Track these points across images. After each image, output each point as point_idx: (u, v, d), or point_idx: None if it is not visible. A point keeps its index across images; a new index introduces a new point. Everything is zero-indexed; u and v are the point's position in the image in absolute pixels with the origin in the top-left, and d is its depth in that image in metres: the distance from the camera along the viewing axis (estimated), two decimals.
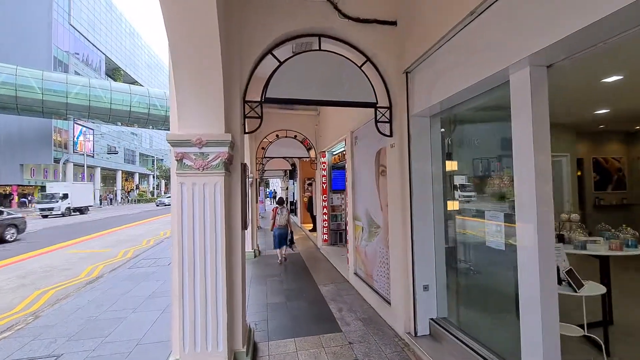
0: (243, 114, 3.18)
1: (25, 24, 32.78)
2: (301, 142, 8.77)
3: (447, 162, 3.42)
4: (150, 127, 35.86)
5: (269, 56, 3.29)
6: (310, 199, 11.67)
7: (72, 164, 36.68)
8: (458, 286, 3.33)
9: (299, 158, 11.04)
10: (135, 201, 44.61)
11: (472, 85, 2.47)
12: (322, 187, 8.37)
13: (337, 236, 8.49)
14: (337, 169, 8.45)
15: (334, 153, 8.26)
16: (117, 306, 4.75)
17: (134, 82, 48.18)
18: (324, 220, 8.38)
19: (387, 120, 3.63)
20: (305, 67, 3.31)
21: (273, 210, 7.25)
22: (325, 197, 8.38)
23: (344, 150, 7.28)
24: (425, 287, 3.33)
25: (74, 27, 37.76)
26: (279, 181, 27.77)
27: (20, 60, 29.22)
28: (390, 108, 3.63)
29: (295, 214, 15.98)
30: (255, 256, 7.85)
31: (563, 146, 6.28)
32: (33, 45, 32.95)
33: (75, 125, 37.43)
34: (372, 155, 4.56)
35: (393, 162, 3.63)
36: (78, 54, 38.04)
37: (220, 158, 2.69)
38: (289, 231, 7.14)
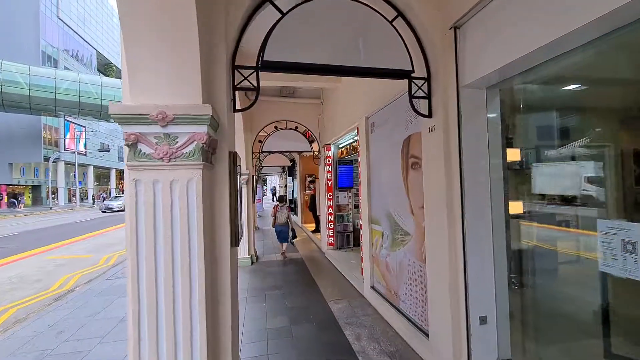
0: (232, 85, 2.28)
1: (10, 16, 31.44)
2: (302, 134, 7.86)
3: (509, 150, 2.54)
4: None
5: (268, 5, 2.37)
6: (313, 197, 10.77)
7: (63, 162, 35.54)
8: (529, 319, 2.47)
9: (300, 152, 10.15)
10: None
11: (560, 39, 1.63)
12: (327, 184, 7.48)
13: (344, 239, 7.62)
14: (344, 164, 7.56)
15: (341, 146, 7.36)
16: (81, 333, 3.85)
17: None
18: (329, 222, 7.49)
19: (424, 94, 2.73)
20: (317, 23, 2.41)
21: (274, 208, 7.61)
22: (330, 195, 7.49)
23: (354, 142, 6.39)
24: (483, 319, 2.46)
25: (62, 21, 36.43)
26: (277, 178, 26.85)
27: (6, 55, 27.94)
28: (428, 79, 2.73)
29: (295, 213, 15.09)
30: (252, 262, 6.96)
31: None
32: (20, 39, 31.63)
33: (66, 122, 36.26)
34: (396, 144, 3.67)
35: (433, 151, 2.74)
36: (67, 50, 36.77)
37: (195, 142, 1.76)
38: (290, 228, 7.47)
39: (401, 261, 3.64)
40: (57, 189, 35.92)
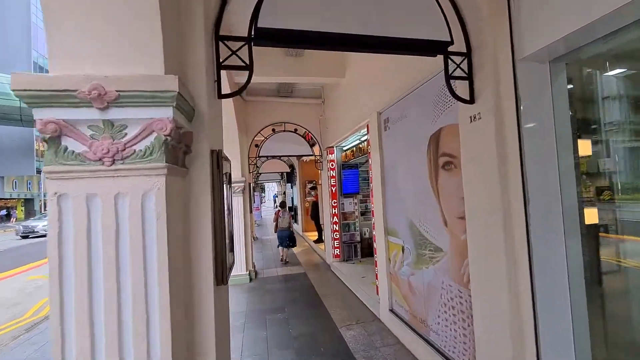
0: (216, 61, 1.70)
1: (1, 28, 31.01)
2: (302, 137, 7.27)
3: (582, 141, 1.95)
4: None
5: None
6: (315, 204, 10.12)
7: None
8: None
9: (300, 157, 9.56)
10: None
11: None
12: (331, 190, 6.87)
13: (351, 250, 6.97)
14: (349, 168, 6.95)
15: (345, 148, 6.77)
16: None
17: None
18: (334, 231, 6.86)
19: (463, 74, 2.14)
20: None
21: (275, 213, 7.87)
22: (335, 202, 6.87)
23: (362, 142, 5.81)
24: None
25: None
26: (275, 185, 26.23)
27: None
28: (469, 54, 2.14)
29: (296, 221, 14.45)
30: (251, 279, 6.30)
31: None
32: (10, 50, 31.16)
33: None
34: (420, 141, 3.07)
35: (478, 146, 2.13)
36: None
37: (154, 133, 1.18)
38: (291, 232, 7.69)
39: (430, 282, 3.01)
40: None
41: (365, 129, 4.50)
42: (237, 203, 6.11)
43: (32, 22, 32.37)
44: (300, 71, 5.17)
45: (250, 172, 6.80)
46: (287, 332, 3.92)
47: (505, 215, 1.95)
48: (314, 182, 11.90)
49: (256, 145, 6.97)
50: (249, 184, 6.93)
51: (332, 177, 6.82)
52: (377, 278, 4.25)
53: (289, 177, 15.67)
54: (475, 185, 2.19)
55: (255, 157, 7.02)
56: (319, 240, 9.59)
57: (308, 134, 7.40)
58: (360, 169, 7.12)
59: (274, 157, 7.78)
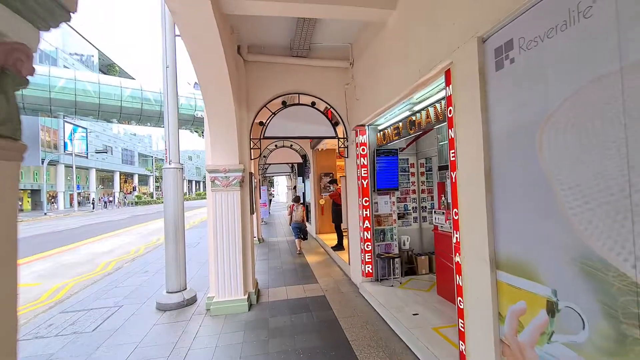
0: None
1: None
2: (323, 114, 5.45)
3: None
4: (148, 124, 32.90)
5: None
6: (336, 205, 8.22)
7: (62, 165, 34.13)
8: None
9: (318, 139, 7.68)
10: (132, 204, 41.85)
11: None
12: (361, 184, 5.04)
13: (388, 266, 5.15)
14: (386, 155, 5.11)
15: (382, 127, 4.91)
16: None
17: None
18: (365, 240, 5.05)
19: None
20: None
21: (290, 207, 8.53)
22: (366, 201, 5.05)
23: (414, 114, 3.95)
24: None
25: None
26: (285, 179, 24.52)
27: None
28: None
29: (309, 220, 12.66)
30: (250, 307, 4.54)
31: None
32: None
33: (65, 123, 34.87)
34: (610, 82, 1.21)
35: None
36: (67, 49, 35.42)
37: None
38: (303, 225, 8.21)
39: None
40: (56, 193, 34.52)
41: (442, 78, 2.65)
42: (229, 201, 4.53)
43: None
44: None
45: (251, 159, 5.03)
46: None
47: None
48: (331, 174, 10.09)
49: (261, 123, 5.17)
50: (251, 174, 5.18)
51: (363, 166, 4.99)
52: (462, 340, 2.42)
53: (301, 170, 13.90)
54: None
55: (260, 138, 5.23)
56: (338, 246, 7.81)
57: (329, 110, 5.58)
58: (398, 157, 5.29)
59: (284, 139, 5.87)
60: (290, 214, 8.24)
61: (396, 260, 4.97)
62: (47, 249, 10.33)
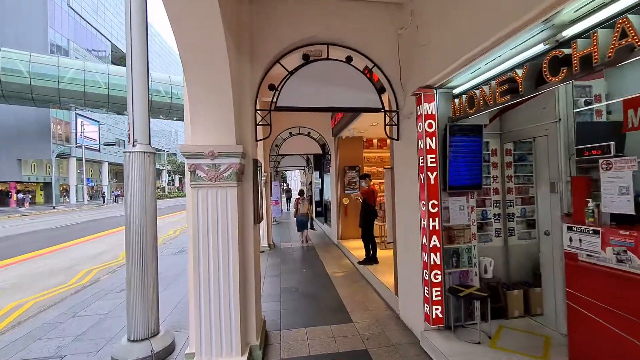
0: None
1: (15, 3, 29.55)
2: (362, 73, 3.69)
3: None
4: (160, 117, 31.92)
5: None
6: (367, 206, 6.35)
7: (74, 158, 33.67)
8: None
9: (358, 111, 5.49)
10: None
11: None
12: (426, 179, 3.27)
13: (465, 306, 3.36)
14: (465, 134, 3.32)
15: (457, 92, 3.11)
16: None
17: None
18: (432, 267, 3.30)
19: None
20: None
21: (295, 200, 9.25)
22: (433, 206, 3.28)
23: (529, 60, 2.11)
24: None
25: (74, 10, 34.47)
26: (298, 174, 22.82)
27: (12, 44, 25.87)
28: None
29: (326, 221, 10.93)
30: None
31: None
32: (25, 28, 29.74)
33: (77, 116, 34.34)
34: None
35: None
36: (79, 41, 34.77)
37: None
38: (309, 217, 9.05)
39: None
40: (69, 186, 34.16)
41: None
42: (220, 204, 2.77)
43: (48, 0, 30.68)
44: None
45: (257, 140, 3.29)
46: None
47: None
48: (358, 167, 8.32)
49: (271, 88, 3.43)
50: (256, 162, 3.46)
51: (429, 151, 3.19)
52: None
53: (318, 163, 12.17)
54: None
55: (270, 110, 3.51)
56: (369, 259, 6.04)
57: (369, 70, 3.79)
58: (485, 136, 3.47)
59: (304, 110, 4.06)
60: (296, 206, 8.87)
61: (480, 299, 3.16)
62: (29, 250, 9.03)
